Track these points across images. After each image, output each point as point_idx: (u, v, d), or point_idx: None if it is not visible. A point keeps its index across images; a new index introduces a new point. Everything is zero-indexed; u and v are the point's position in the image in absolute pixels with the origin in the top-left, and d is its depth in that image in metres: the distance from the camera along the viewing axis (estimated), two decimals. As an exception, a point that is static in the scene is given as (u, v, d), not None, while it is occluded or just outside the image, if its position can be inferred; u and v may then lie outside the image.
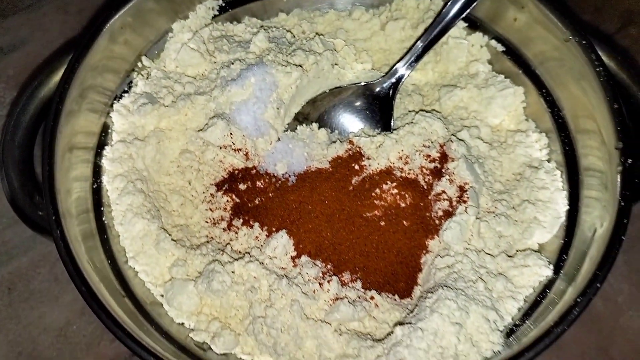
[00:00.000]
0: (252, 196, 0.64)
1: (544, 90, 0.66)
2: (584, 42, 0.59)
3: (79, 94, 0.60)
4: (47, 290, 0.69)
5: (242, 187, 0.64)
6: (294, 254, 0.60)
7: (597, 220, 0.55)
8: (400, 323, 0.55)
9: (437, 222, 0.62)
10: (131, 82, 0.67)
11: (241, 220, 0.63)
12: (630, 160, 0.53)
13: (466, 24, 0.71)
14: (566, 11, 0.61)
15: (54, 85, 0.59)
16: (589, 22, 0.88)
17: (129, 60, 0.67)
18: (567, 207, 0.61)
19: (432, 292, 0.55)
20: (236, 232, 0.63)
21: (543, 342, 0.46)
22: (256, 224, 0.62)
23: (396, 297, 0.60)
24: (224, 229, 0.63)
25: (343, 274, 0.60)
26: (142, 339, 0.50)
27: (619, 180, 0.53)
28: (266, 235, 0.62)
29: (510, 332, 0.54)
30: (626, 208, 0.51)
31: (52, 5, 0.87)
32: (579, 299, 0.48)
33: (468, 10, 0.65)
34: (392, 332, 0.54)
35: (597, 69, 0.57)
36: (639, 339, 0.67)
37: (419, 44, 0.67)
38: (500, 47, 0.70)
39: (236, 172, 0.65)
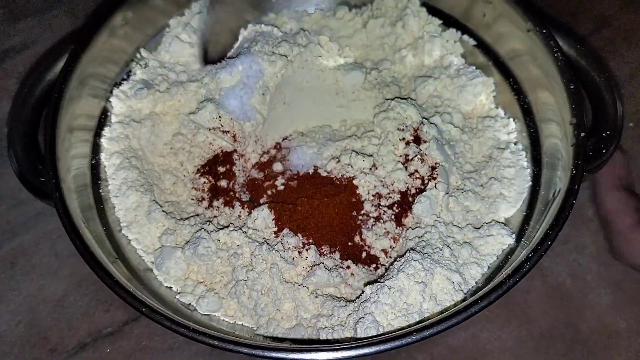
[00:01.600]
0: (229, 178, 0.69)
1: (511, 80, 0.71)
2: (543, 31, 0.64)
3: (79, 82, 0.65)
4: (47, 264, 0.74)
5: (220, 169, 0.69)
6: (275, 228, 0.65)
7: (554, 189, 0.59)
8: (370, 283, 0.59)
9: (411, 199, 0.66)
10: (130, 71, 0.73)
11: (221, 200, 0.68)
12: (582, 134, 0.58)
13: (441, 21, 0.77)
14: (527, 3, 0.66)
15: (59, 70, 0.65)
16: (564, 24, 0.93)
17: (128, 52, 0.73)
18: (530, 184, 0.65)
19: (401, 257, 0.60)
20: (218, 209, 0.67)
21: (496, 292, 0.49)
22: (237, 203, 0.67)
23: (372, 268, 0.64)
24: (206, 208, 0.68)
25: (322, 247, 0.64)
26: (136, 294, 0.54)
27: (572, 151, 0.57)
28: (248, 212, 0.66)
29: (473, 295, 0.58)
30: (577, 176, 0.55)
31: (61, 9, 0.94)
32: (530, 254, 0.51)
33: None
34: (363, 292, 0.58)
35: (555, 55, 0.62)
36: (607, 315, 0.70)
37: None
38: (472, 42, 0.75)
39: (220, 155, 0.70)
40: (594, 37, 0.92)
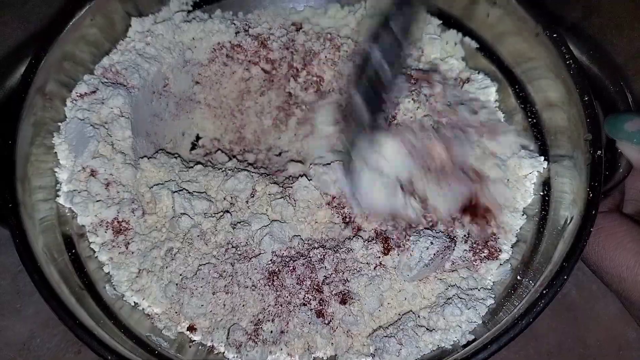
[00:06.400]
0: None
1: (516, 87, 0.66)
2: (554, 35, 0.58)
3: (43, 88, 0.59)
4: (9, 303, 0.67)
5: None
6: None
7: (567, 214, 0.54)
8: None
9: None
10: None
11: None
12: (599, 152, 0.52)
13: (440, 22, 0.71)
14: (536, 5, 0.60)
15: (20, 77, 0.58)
16: (553, 13, 0.87)
17: (96, 54, 0.66)
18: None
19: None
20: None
21: (508, 334, 0.44)
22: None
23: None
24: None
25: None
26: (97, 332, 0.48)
27: (587, 172, 0.52)
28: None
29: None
30: (594, 200, 0.50)
31: (13, 14, 0.86)
32: (544, 290, 0.46)
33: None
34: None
35: (568, 62, 0.57)
36: (615, 326, 0.67)
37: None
38: (474, 44, 0.70)
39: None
40: (583, 24, 0.86)
